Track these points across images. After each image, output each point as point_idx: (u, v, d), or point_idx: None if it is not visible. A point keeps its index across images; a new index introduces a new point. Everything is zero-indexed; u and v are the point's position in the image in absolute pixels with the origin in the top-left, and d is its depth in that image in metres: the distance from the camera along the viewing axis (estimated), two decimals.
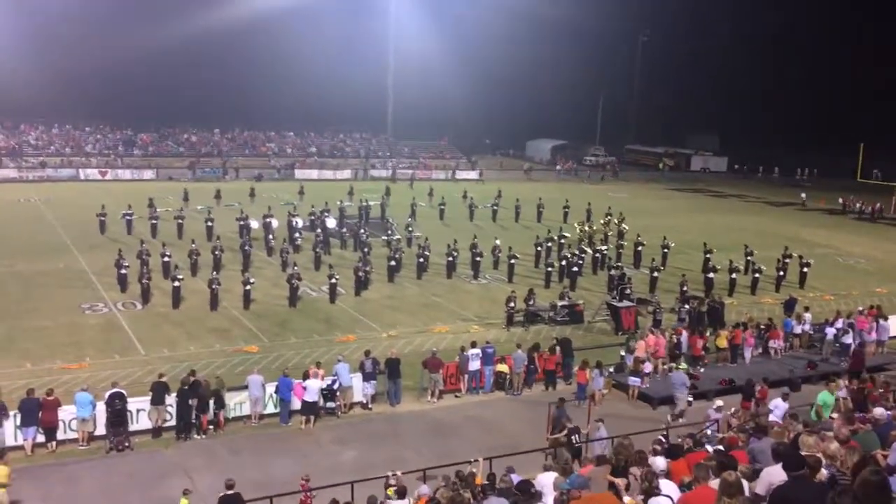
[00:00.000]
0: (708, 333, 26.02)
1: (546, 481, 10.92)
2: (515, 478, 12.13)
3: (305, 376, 20.15)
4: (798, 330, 27.01)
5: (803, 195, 66.71)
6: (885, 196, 63.04)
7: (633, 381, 22.54)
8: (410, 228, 41.58)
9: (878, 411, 12.18)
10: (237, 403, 19.96)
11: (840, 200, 64.16)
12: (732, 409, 19.55)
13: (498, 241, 37.16)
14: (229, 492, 14.06)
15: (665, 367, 24.06)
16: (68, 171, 63.75)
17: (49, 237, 39.43)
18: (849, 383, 19.61)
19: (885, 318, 27.32)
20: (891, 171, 66.03)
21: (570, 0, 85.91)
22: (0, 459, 15.32)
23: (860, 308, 28.63)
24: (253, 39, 78.08)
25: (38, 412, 17.67)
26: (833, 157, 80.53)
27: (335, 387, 20.39)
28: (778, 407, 18.04)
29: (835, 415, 15.77)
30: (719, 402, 19.55)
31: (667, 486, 9.15)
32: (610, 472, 11.52)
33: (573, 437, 17.63)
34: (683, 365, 22.84)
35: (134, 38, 69.06)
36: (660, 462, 10.18)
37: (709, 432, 17.58)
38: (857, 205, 62.54)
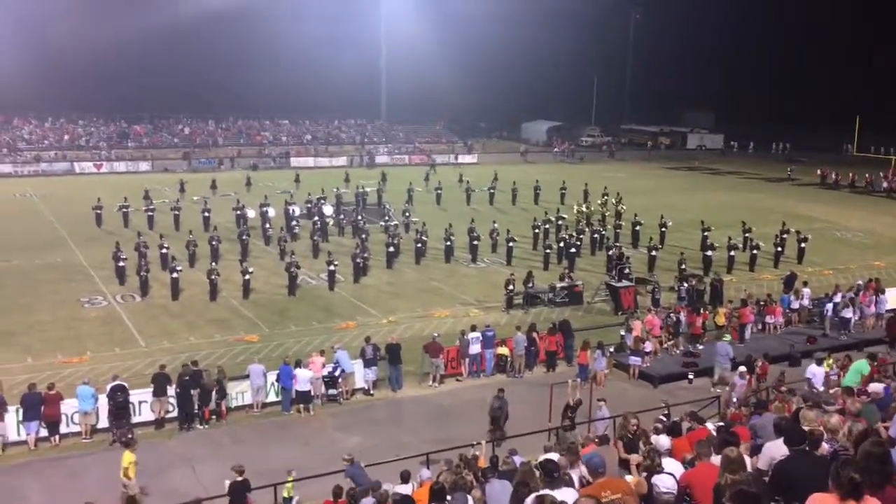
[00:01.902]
0: (708, 311, 26.01)
1: None
2: (517, 459, 12.16)
3: (297, 365, 20.18)
4: (796, 305, 27.04)
5: (792, 168, 67.23)
6: (861, 168, 63.63)
7: (634, 360, 22.64)
8: (407, 214, 41.49)
9: (874, 386, 12.20)
10: (239, 393, 20.01)
11: (819, 172, 64.85)
12: None
13: (496, 224, 37.08)
14: (239, 478, 14.11)
15: (664, 346, 24.15)
16: (63, 164, 63.40)
17: (46, 231, 39.32)
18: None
19: (883, 292, 27.36)
20: (862, 144, 66.64)
21: None
22: (128, 447, 15.36)
23: (859, 282, 28.63)
24: (245, 27, 77.80)
25: (40, 406, 17.68)
26: (818, 131, 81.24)
27: (336, 374, 20.43)
28: (815, 375, 17.90)
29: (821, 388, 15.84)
30: (742, 368, 19.78)
31: (670, 463, 9.17)
32: (623, 449, 11.60)
33: (567, 412, 17.77)
34: (727, 336, 22.96)
35: (124, 30, 68.66)
36: (663, 441, 10.20)
37: (735, 399, 17.70)
38: (832, 175, 63.30)
